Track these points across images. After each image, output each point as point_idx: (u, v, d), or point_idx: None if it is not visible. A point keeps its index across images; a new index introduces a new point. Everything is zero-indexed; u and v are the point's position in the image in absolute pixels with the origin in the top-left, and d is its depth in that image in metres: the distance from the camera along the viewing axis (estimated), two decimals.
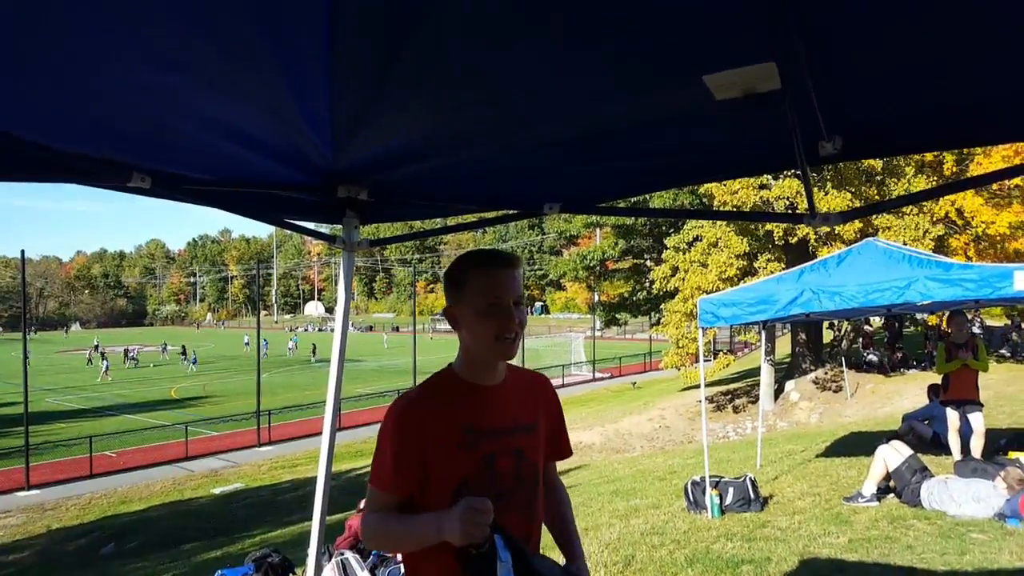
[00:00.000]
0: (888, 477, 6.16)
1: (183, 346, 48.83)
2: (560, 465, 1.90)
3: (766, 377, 18.31)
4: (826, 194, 16.81)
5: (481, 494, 1.44)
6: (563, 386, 30.90)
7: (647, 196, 23.28)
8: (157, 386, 33.89)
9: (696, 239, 20.16)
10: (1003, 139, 2.05)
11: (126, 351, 46.57)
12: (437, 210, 2.60)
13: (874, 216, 16.67)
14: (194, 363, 41.61)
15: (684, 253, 20.22)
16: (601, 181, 2.26)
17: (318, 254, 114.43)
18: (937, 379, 8.39)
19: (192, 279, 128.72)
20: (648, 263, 27.30)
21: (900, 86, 1.50)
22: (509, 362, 1.60)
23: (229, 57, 1.27)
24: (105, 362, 38.58)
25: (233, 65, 1.31)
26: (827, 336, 23.02)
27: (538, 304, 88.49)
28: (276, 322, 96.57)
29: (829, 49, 1.30)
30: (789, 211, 17.34)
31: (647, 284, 25.86)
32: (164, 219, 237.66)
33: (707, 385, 21.70)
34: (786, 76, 1.33)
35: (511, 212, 2.47)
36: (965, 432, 7.34)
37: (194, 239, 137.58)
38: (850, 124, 1.67)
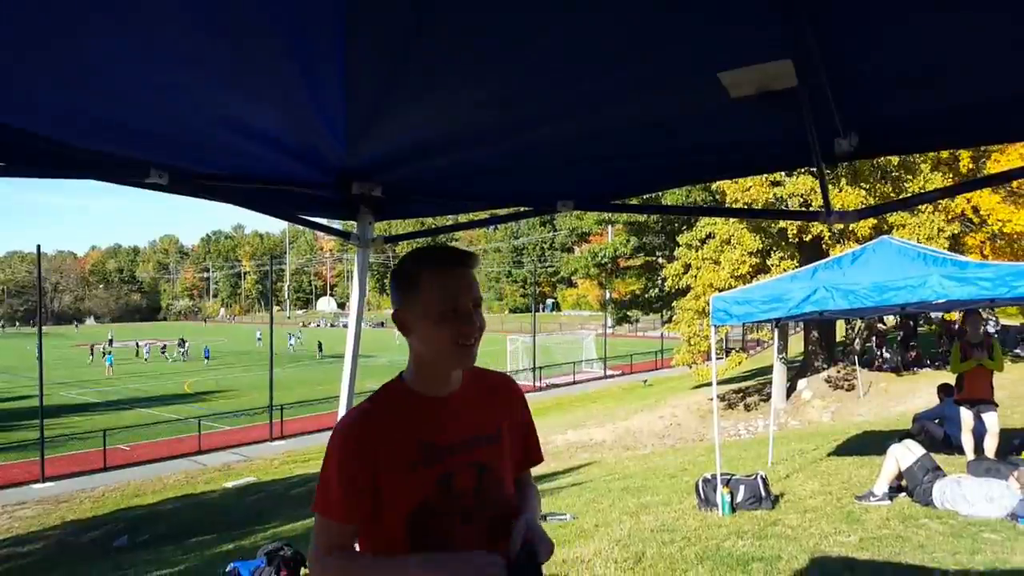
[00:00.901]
0: (900, 476, 6.13)
1: (180, 339, 49.52)
2: (569, 462, 1.81)
3: (778, 375, 18.22)
4: (840, 191, 16.69)
5: (440, 516, 1.36)
6: (574, 383, 30.91)
7: (660, 193, 23.21)
8: (171, 380, 34.24)
9: (709, 236, 20.08)
10: (1021, 137, 2.02)
11: (164, 346, 47.29)
12: (450, 207, 2.58)
13: (888, 213, 16.52)
14: (206, 357, 42.23)
15: (696, 250, 20.15)
16: (615, 179, 2.23)
17: (330, 250, 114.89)
18: (949, 378, 8.34)
19: (205, 274, 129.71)
20: (660, 260, 27.23)
21: (918, 83, 1.48)
22: None
23: (246, 56, 1.28)
24: (109, 357, 38.98)
25: (250, 64, 1.32)
26: (840, 335, 22.87)
27: (549, 301, 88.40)
28: (288, 317, 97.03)
29: (846, 45, 1.29)
30: (803, 208, 17.24)
31: (659, 281, 25.80)
32: (178, 215, 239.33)
33: (719, 383, 21.60)
34: (803, 73, 1.31)
35: (524, 209, 2.46)
36: (979, 432, 7.28)
37: (208, 235, 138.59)
38: (867, 121, 1.65)
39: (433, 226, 2.98)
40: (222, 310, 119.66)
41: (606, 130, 1.77)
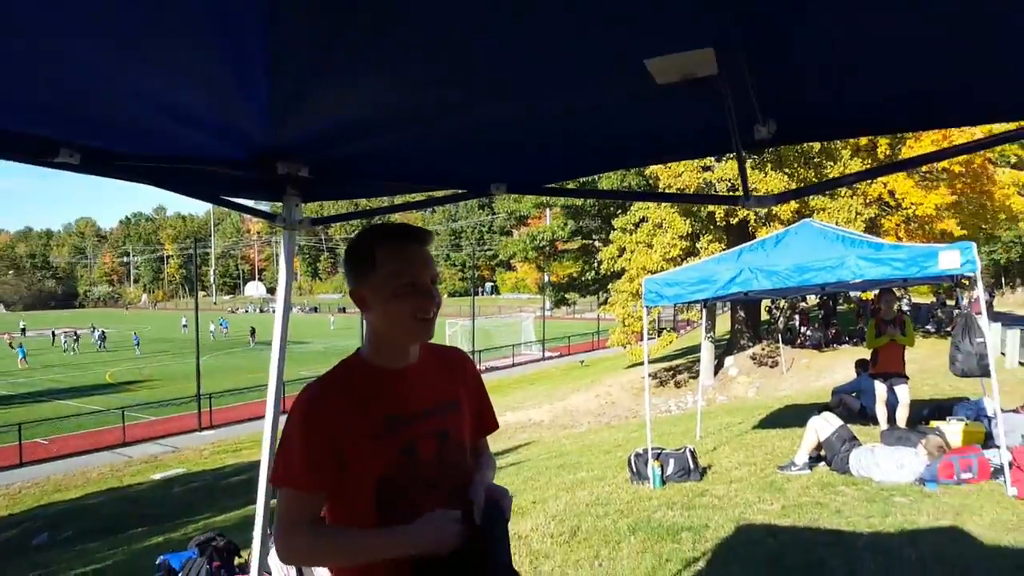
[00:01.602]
0: (819, 447, 6.46)
1: (92, 327, 47.38)
2: (508, 442, 1.86)
3: (706, 353, 18.87)
4: (765, 175, 17.29)
5: (405, 485, 1.39)
6: (513, 365, 31.14)
7: (595, 177, 23.51)
8: (91, 370, 32.62)
9: (642, 220, 20.50)
10: (931, 125, 2.13)
11: (76, 334, 44.60)
12: (382, 188, 2.53)
13: (810, 198, 17.24)
14: (136, 345, 40.55)
15: (631, 234, 20.55)
16: (547, 162, 2.24)
17: (258, 232, 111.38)
18: (866, 354, 8.80)
19: (125, 259, 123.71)
20: (597, 244, 27.63)
21: (835, 72, 1.54)
22: None
23: (160, 27, 1.21)
24: (21, 348, 36.67)
25: (165, 36, 1.25)
26: (765, 314, 23.83)
27: (488, 284, 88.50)
28: (215, 303, 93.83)
29: (765, 35, 1.32)
30: (730, 192, 17.81)
31: (595, 264, 26.20)
32: (94, 196, 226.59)
33: (651, 362, 22.25)
34: (723, 61, 1.35)
35: (458, 192, 2.45)
36: (891, 403, 7.73)
37: (127, 217, 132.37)
38: (784, 109, 1.70)
39: (368, 207, 2.91)
40: (144, 296, 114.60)
41: (537, 115, 1.77)
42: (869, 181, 17.34)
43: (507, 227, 75.41)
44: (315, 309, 76.41)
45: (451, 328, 35.32)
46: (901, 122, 2.33)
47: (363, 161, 2.14)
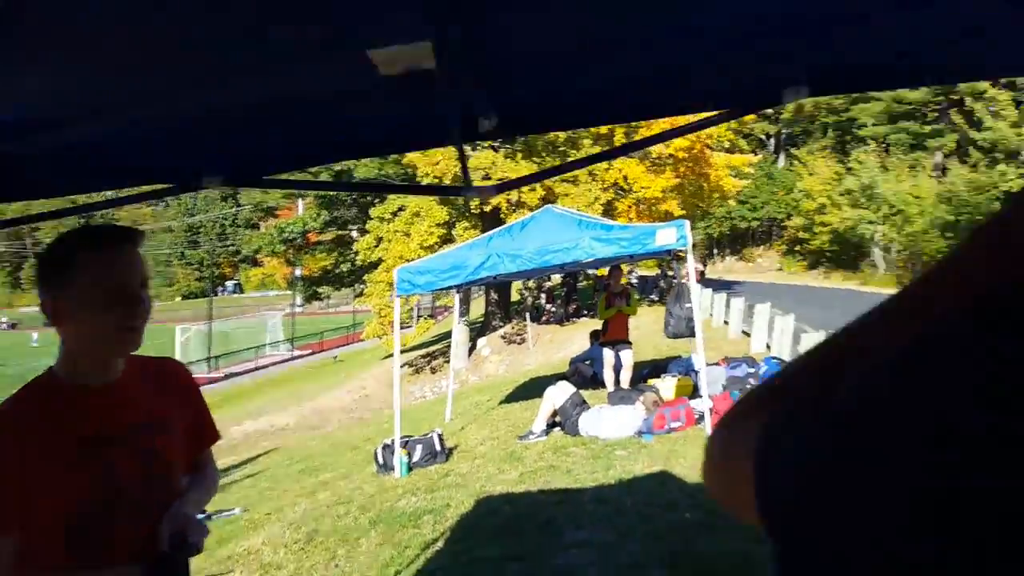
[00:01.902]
0: (555, 413, 6.80)
1: None
2: (248, 453, 1.59)
3: (458, 336, 19.18)
4: (516, 164, 18.09)
5: (103, 516, 1.27)
6: (256, 369, 29.01)
7: (351, 165, 22.60)
8: None
9: (400, 209, 20.28)
10: (643, 116, 2.25)
11: None
12: (71, 186, 2.24)
13: (555, 184, 18.43)
14: None
15: (388, 223, 20.23)
16: (267, 153, 2.11)
17: None
18: (600, 325, 9.58)
19: None
20: (354, 234, 26.89)
21: (549, 67, 1.58)
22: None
23: None
24: None
25: None
26: (517, 295, 25.22)
27: (230, 283, 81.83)
28: None
29: (483, 30, 1.34)
30: (484, 180, 18.36)
31: (352, 256, 25.44)
32: None
33: (409, 350, 22.26)
34: (441, 55, 1.34)
35: (168, 187, 2.22)
36: (617, 367, 8.49)
37: None
38: (504, 102, 1.73)
39: (87, 202, 2.55)
40: None
41: (249, 104, 1.64)
42: (606, 166, 18.96)
43: (253, 220, 70.51)
44: (14, 325, 64.47)
45: (183, 335, 31.77)
46: (616, 113, 2.43)
47: (57, 155, 1.90)
